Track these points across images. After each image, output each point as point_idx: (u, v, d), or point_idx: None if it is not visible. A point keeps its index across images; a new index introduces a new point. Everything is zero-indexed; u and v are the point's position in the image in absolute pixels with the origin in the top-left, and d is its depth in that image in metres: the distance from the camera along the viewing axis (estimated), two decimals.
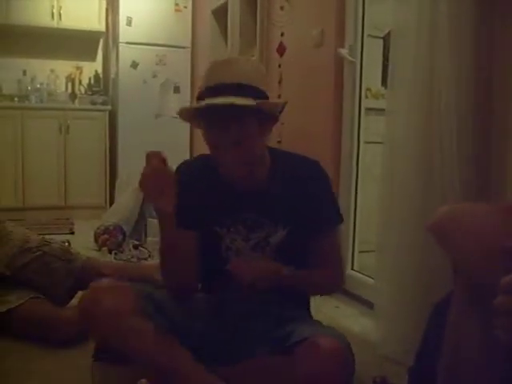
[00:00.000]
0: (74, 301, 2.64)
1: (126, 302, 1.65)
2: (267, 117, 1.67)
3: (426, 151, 2.12)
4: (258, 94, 1.62)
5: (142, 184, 1.58)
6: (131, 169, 5.33)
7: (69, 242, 3.82)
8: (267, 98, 1.67)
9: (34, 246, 2.62)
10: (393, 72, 2.31)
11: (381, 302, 2.43)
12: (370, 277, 3.00)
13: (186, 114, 1.71)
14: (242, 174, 1.69)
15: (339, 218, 1.85)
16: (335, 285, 1.96)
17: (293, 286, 1.75)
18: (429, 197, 2.12)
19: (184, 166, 1.86)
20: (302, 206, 1.75)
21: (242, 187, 1.77)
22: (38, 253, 2.60)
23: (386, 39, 3.57)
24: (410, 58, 2.18)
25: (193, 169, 1.85)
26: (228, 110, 1.56)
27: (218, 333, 1.74)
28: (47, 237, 2.82)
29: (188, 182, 1.76)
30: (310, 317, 1.91)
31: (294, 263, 1.73)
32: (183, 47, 5.93)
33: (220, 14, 5.20)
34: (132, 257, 3.84)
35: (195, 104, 1.65)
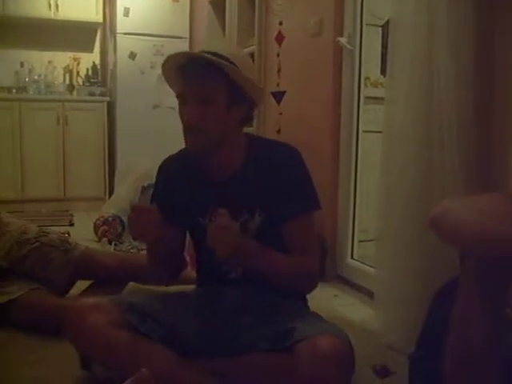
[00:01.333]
0: (74, 290, 2.66)
1: (110, 318, 1.70)
2: (239, 96, 1.71)
3: (425, 140, 2.12)
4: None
5: (130, 229, 1.76)
6: (130, 159, 5.36)
7: (69, 233, 3.81)
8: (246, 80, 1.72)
9: (31, 237, 2.62)
10: (391, 61, 2.30)
11: (381, 290, 2.44)
12: (369, 266, 3.00)
13: (167, 71, 1.77)
14: (195, 145, 1.73)
15: (314, 205, 1.82)
16: (310, 275, 1.84)
17: (261, 264, 1.73)
18: (428, 185, 2.12)
19: (164, 163, 1.97)
20: (275, 191, 1.75)
21: (218, 175, 1.81)
22: (35, 244, 2.59)
23: (385, 28, 3.55)
24: (408, 46, 2.17)
25: (171, 165, 1.93)
26: (199, 65, 1.65)
27: (212, 325, 1.75)
28: (46, 229, 2.82)
29: (167, 179, 1.91)
30: (308, 308, 1.91)
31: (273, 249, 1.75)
32: (181, 37, 5.90)
33: (218, 3, 5.17)
34: (132, 248, 3.84)
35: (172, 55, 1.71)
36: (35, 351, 2.14)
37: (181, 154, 1.93)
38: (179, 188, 1.85)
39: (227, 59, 1.66)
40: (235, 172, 1.80)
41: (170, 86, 1.83)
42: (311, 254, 1.83)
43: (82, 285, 2.69)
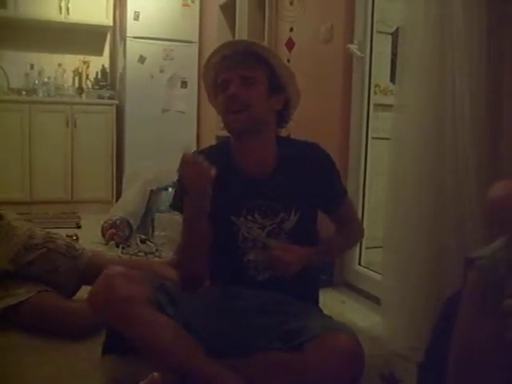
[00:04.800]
0: (81, 294, 2.66)
1: (140, 291, 1.66)
2: (278, 85, 1.79)
3: (435, 147, 2.12)
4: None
5: (183, 178, 1.68)
6: (138, 163, 5.38)
7: (77, 235, 3.83)
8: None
9: (38, 242, 2.61)
10: (401, 68, 2.31)
11: (388, 297, 2.44)
12: (377, 272, 3.00)
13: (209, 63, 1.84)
14: (238, 121, 1.73)
15: (346, 191, 2.02)
16: (360, 235, 2.15)
17: (322, 260, 2.00)
18: (436, 193, 2.12)
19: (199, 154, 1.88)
20: (313, 190, 1.83)
21: (254, 174, 1.82)
22: (42, 250, 2.59)
23: (395, 35, 3.56)
24: (418, 54, 2.18)
25: (207, 158, 1.80)
26: (242, 52, 1.76)
27: (228, 325, 1.74)
28: (54, 231, 2.82)
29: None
30: (320, 310, 1.92)
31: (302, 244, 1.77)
32: (191, 42, 5.92)
33: (228, 8, 5.19)
34: (139, 251, 3.84)
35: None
36: (44, 353, 2.15)
37: (214, 148, 1.98)
38: (214, 184, 1.74)
39: (266, 48, 1.82)
40: (270, 170, 1.83)
41: (206, 81, 1.88)
42: (357, 218, 2.16)
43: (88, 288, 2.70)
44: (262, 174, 1.82)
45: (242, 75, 1.71)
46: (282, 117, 1.87)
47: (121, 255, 3.75)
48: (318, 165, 1.86)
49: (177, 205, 1.85)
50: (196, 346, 1.63)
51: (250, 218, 1.79)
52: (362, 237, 2.19)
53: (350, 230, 2.01)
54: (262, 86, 1.74)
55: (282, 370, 1.57)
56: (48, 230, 2.80)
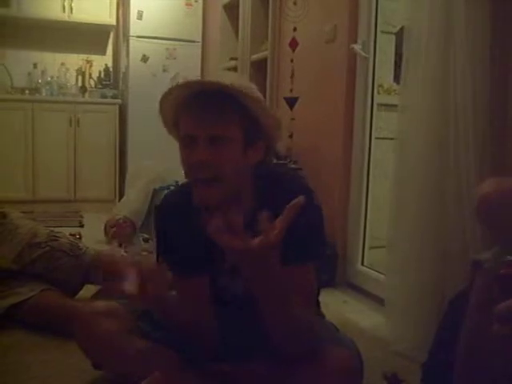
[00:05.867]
0: (84, 292, 2.67)
1: (122, 325, 1.66)
2: (256, 134, 1.46)
3: (439, 147, 2.13)
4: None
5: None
6: (141, 162, 5.38)
7: (80, 234, 3.83)
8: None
9: (42, 240, 2.62)
10: (406, 68, 2.31)
11: (391, 297, 2.44)
12: (380, 272, 3.00)
13: (167, 106, 1.51)
14: (207, 197, 1.43)
15: (318, 253, 1.58)
16: (310, 333, 1.46)
17: (279, 293, 1.30)
18: (441, 192, 2.13)
19: (163, 206, 1.71)
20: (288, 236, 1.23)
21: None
22: (46, 248, 2.60)
23: (399, 35, 3.56)
24: (423, 53, 2.18)
25: (172, 207, 1.67)
26: (213, 96, 1.40)
27: (225, 336, 1.63)
28: (56, 230, 2.82)
29: (170, 227, 1.64)
30: (321, 315, 1.87)
31: None
32: (194, 41, 5.93)
33: (231, 8, 5.19)
34: (142, 250, 3.84)
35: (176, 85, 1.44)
36: (48, 351, 2.16)
37: (180, 194, 1.66)
38: (182, 237, 1.58)
39: (242, 91, 1.41)
40: (246, 214, 1.32)
41: (167, 126, 1.59)
42: (310, 310, 1.53)
43: (91, 286, 2.71)
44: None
45: (210, 134, 1.40)
46: (264, 160, 1.54)
47: (124, 254, 3.74)
48: (303, 215, 1.23)
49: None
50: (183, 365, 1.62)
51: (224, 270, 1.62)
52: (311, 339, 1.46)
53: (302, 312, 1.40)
54: (236, 144, 1.43)
55: (276, 382, 1.49)
56: (51, 228, 2.81)
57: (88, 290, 2.70)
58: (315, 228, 1.53)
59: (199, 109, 1.41)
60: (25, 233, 2.62)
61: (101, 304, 1.76)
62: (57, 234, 2.70)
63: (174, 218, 1.62)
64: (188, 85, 1.42)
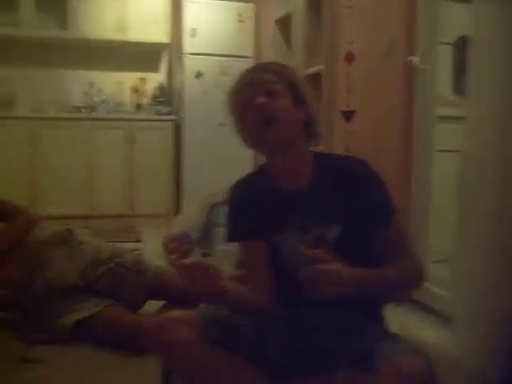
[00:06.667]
0: (146, 308, 2.70)
1: (197, 332, 1.65)
2: (300, 98, 1.77)
3: (506, 161, 2.08)
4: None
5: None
6: (197, 177, 5.44)
7: (140, 250, 3.87)
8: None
9: (106, 257, 2.67)
10: (471, 79, 2.27)
11: (457, 313, 2.39)
12: (442, 287, 2.93)
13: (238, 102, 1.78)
14: (273, 135, 1.70)
15: (395, 206, 1.80)
16: (418, 276, 1.80)
17: (375, 289, 1.63)
18: (509, 206, 2.08)
19: (237, 185, 1.92)
20: (353, 203, 1.72)
21: (291, 190, 1.77)
22: (110, 265, 2.64)
23: (457, 45, 3.51)
24: (488, 64, 2.14)
25: (245, 185, 1.90)
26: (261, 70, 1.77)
27: (293, 346, 1.70)
28: (120, 247, 2.86)
29: (242, 200, 1.87)
30: (387, 328, 1.87)
31: (353, 264, 1.63)
32: (247, 57, 5.98)
33: (284, 23, 5.22)
34: None
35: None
36: (116, 368, 2.19)
37: (252, 175, 1.92)
38: (254, 207, 1.80)
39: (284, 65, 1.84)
40: (307, 182, 1.78)
41: (234, 104, 1.82)
42: (413, 255, 1.80)
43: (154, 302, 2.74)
44: (298, 189, 1.78)
45: (266, 89, 1.71)
46: (310, 131, 1.82)
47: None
48: (357, 177, 1.75)
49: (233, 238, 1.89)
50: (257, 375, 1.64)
51: (288, 234, 1.76)
52: (421, 279, 1.83)
53: (404, 266, 1.72)
54: (286, 99, 1.73)
55: None
56: (113, 245, 2.85)
57: (150, 306, 2.72)
58: (384, 190, 1.79)
59: (254, 78, 1.74)
60: (89, 249, 2.67)
61: (177, 312, 1.77)
62: (120, 250, 2.74)
63: (247, 191, 1.86)
64: (244, 73, 1.80)
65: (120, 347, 2.30)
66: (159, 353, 1.72)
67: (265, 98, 1.70)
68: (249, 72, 1.80)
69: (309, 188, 1.77)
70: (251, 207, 1.82)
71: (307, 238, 1.72)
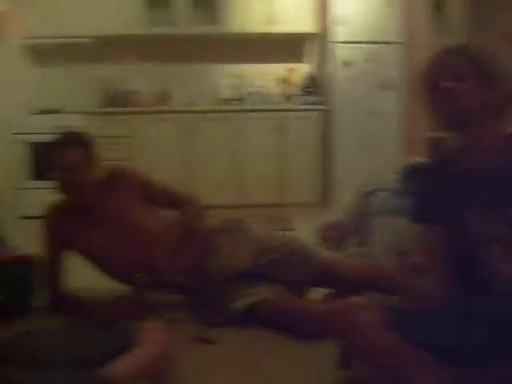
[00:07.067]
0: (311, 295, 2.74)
1: (379, 317, 1.67)
2: (489, 83, 1.76)
3: None
4: None
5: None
6: (346, 166, 5.43)
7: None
8: None
9: (275, 244, 2.73)
10: None
11: None
12: None
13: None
14: (449, 108, 1.73)
15: None
16: None
17: None
18: None
19: (420, 169, 2.02)
20: None
21: (484, 168, 1.75)
22: (279, 252, 2.69)
23: None
24: None
25: (429, 167, 1.97)
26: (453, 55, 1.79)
27: (470, 334, 1.63)
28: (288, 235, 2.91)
29: (427, 181, 1.91)
30: None
31: None
32: (396, 43, 5.84)
33: (437, 6, 5.05)
34: (355, 255, 3.82)
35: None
36: (284, 351, 2.24)
37: (437, 157, 1.97)
38: (442, 188, 1.83)
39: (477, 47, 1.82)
40: (500, 161, 1.74)
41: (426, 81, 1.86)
42: None
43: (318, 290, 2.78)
44: (490, 168, 1.73)
45: (453, 72, 1.73)
46: (503, 111, 1.80)
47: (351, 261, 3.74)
48: None
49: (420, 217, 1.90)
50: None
51: (479, 216, 1.71)
52: None
53: None
54: (473, 81, 1.73)
55: None
56: (283, 233, 2.91)
57: (314, 294, 2.75)
58: None
59: (445, 57, 1.79)
60: (259, 236, 2.75)
61: (356, 298, 1.81)
62: (288, 238, 2.79)
63: (434, 173, 1.89)
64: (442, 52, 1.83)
65: (290, 332, 2.34)
66: (343, 336, 1.76)
67: (451, 82, 1.72)
68: (437, 55, 1.82)
69: (502, 168, 1.72)
70: (438, 188, 1.83)
71: (501, 219, 1.69)
